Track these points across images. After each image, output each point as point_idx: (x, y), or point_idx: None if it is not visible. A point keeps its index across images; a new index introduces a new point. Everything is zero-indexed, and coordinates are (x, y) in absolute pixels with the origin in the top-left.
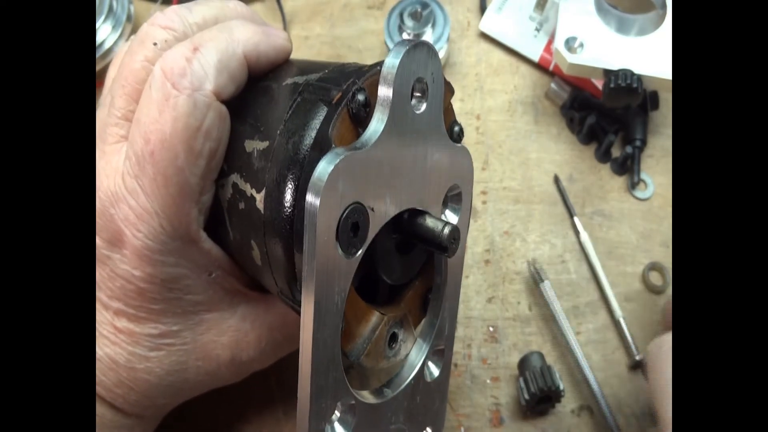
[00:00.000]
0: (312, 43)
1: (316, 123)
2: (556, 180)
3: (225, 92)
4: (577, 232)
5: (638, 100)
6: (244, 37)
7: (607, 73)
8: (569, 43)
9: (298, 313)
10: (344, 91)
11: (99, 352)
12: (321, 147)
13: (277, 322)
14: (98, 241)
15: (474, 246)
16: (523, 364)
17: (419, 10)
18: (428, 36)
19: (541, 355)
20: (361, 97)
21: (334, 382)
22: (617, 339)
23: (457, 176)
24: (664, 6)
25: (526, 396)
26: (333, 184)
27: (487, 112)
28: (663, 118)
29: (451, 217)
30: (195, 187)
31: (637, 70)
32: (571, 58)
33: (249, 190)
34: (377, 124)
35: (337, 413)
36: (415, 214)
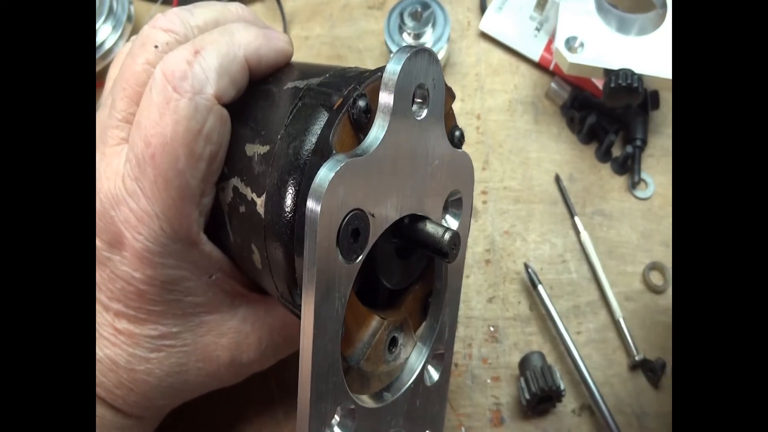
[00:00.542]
0: (312, 44)
1: (317, 128)
2: (557, 179)
3: (226, 96)
4: (577, 232)
5: (638, 100)
6: (246, 40)
7: (608, 73)
8: (569, 43)
9: (298, 317)
10: (345, 96)
11: (99, 353)
12: (322, 152)
13: (277, 324)
14: (98, 242)
15: (474, 246)
16: (524, 363)
17: (419, 10)
18: (428, 36)
19: (542, 355)
20: (362, 103)
21: (334, 387)
22: (617, 339)
23: (457, 182)
24: (664, 6)
25: (527, 396)
26: (334, 190)
27: (488, 111)
28: (663, 118)
29: (452, 222)
30: (195, 190)
31: (637, 70)
32: (572, 58)
33: (250, 194)
34: (378, 130)
35: (336, 417)
36: (416, 219)
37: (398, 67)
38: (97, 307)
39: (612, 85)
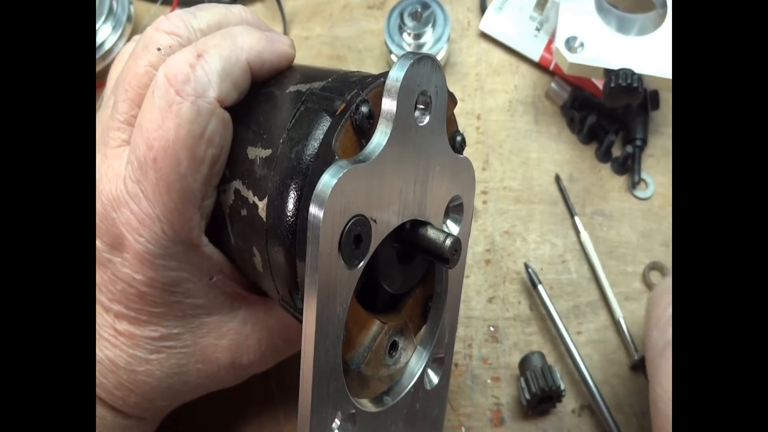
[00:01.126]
0: (312, 44)
1: (319, 134)
2: (557, 179)
3: (228, 99)
4: (577, 232)
5: (638, 100)
6: (248, 43)
7: (608, 73)
8: (569, 43)
9: (299, 320)
10: (348, 102)
11: (99, 354)
12: (324, 158)
13: (277, 326)
14: (99, 244)
15: (474, 246)
16: (524, 363)
17: (419, 10)
18: (428, 36)
19: (542, 355)
20: (364, 108)
21: (335, 391)
22: (617, 339)
23: (458, 187)
24: (664, 5)
25: (527, 396)
26: (336, 197)
27: (488, 111)
28: (663, 118)
29: (453, 227)
30: (197, 192)
31: (637, 70)
32: (572, 58)
33: (251, 197)
34: (381, 136)
35: (337, 421)
36: (417, 224)
37: (401, 74)
38: (98, 308)
39: (612, 85)
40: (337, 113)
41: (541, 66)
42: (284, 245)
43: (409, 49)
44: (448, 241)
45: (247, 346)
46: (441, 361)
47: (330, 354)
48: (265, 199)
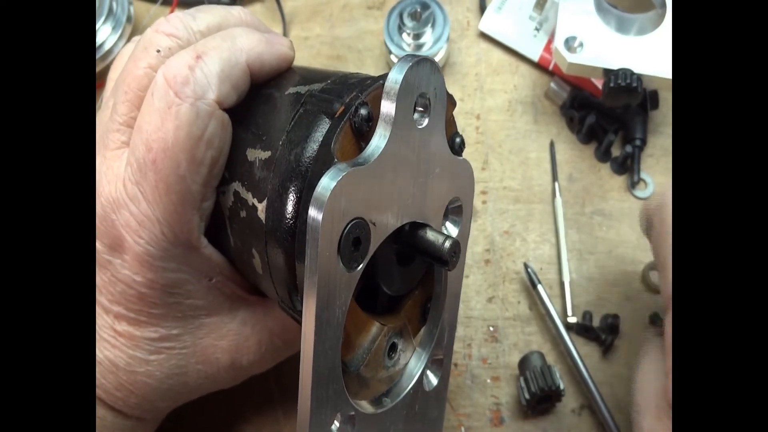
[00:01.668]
0: (312, 44)
1: (319, 136)
2: (551, 146)
3: (227, 101)
4: (554, 197)
5: (638, 100)
6: (248, 45)
7: (607, 73)
8: (569, 43)
9: (298, 321)
10: (347, 104)
11: (99, 355)
12: (323, 160)
13: (276, 327)
14: (99, 246)
15: (474, 246)
16: (524, 363)
17: (419, 10)
18: (428, 36)
19: (542, 355)
20: (363, 111)
21: (334, 393)
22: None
23: (457, 189)
24: (663, 5)
25: (527, 395)
26: (336, 200)
27: (487, 111)
28: (663, 118)
29: (452, 229)
30: (196, 194)
31: (636, 70)
32: (571, 58)
33: (251, 199)
34: (380, 139)
35: (336, 423)
36: (416, 226)
37: (400, 76)
38: (98, 309)
39: (611, 84)
40: (336, 115)
41: (540, 66)
42: (284, 247)
43: (408, 49)
44: (447, 243)
45: (246, 347)
46: (440, 362)
47: (329, 356)
48: (265, 201)
